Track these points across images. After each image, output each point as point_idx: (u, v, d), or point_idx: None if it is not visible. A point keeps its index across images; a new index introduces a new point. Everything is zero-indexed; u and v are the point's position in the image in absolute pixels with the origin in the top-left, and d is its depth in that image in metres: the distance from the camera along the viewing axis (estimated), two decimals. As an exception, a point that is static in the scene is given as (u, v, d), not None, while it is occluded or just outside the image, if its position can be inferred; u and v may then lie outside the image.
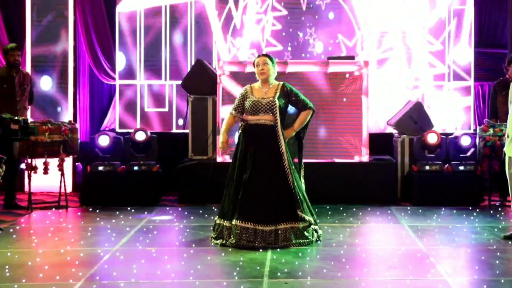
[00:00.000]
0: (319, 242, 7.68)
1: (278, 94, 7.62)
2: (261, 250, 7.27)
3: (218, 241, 7.58)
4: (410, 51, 11.70)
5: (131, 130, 10.75)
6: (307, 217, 7.57)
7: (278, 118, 7.57)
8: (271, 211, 7.46)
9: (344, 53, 11.61)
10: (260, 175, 7.51)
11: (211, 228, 7.91)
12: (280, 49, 11.72)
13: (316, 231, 7.75)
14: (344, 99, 10.09)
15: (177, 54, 11.79)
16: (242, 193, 7.52)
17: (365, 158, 10.17)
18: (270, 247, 7.33)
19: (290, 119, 7.76)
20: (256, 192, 7.49)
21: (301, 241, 7.51)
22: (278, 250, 7.28)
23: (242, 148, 7.66)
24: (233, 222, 7.47)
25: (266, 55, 7.77)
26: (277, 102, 7.56)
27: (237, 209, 7.51)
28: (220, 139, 7.81)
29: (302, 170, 7.89)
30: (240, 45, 11.77)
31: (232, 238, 7.44)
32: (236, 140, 7.95)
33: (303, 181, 7.85)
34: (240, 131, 7.75)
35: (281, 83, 7.74)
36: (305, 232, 7.55)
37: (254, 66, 7.76)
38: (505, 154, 7.76)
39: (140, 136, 10.41)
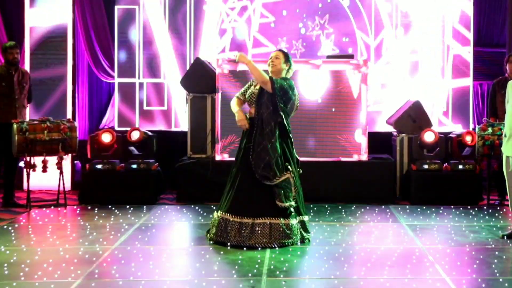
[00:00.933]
0: (304, 242, 7.61)
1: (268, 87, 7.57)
2: (246, 248, 7.27)
3: (208, 235, 7.68)
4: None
5: (130, 128, 10.74)
6: (286, 204, 7.45)
7: (254, 105, 7.58)
8: (250, 204, 7.44)
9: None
10: (244, 169, 7.52)
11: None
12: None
13: (302, 231, 7.66)
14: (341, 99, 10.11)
15: (175, 52, 11.79)
16: (229, 187, 7.58)
17: (364, 157, 10.17)
18: (243, 244, 7.30)
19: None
20: (240, 185, 7.51)
21: (283, 241, 7.39)
22: (277, 248, 7.28)
23: (240, 142, 7.72)
24: (218, 214, 7.55)
25: (282, 51, 7.74)
26: (255, 91, 7.59)
27: (223, 202, 7.58)
28: (238, 117, 7.63)
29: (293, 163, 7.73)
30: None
31: (212, 229, 7.55)
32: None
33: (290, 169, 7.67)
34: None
35: (287, 77, 7.71)
36: (286, 230, 7.42)
37: None
38: (502, 153, 7.77)
39: (135, 136, 10.40)
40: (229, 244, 7.34)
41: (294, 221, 7.52)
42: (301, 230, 7.63)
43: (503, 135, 7.89)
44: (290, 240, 7.43)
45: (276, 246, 7.32)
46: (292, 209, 7.52)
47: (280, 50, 7.77)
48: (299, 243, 7.50)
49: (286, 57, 7.68)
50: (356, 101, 10.12)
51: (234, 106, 7.74)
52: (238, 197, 7.49)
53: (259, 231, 7.36)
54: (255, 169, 7.40)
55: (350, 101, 10.13)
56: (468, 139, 10.30)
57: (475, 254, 7.20)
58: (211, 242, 7.54)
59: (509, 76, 9.95)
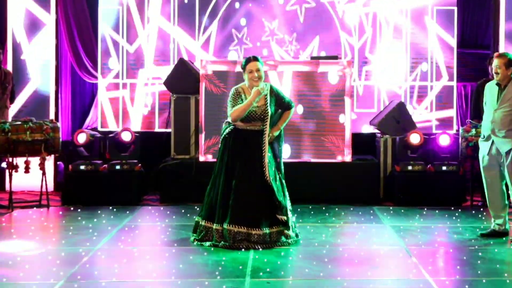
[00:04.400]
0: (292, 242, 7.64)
1: (269, 100, 7.59)
2: (243, 249, 7.26)
3: (207, 243, 7.52)
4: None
5: (114, 130, 10.70)
6: (284, 218, 7.54)
7: (268, 124, 7.56)
8: (262, 216, 7.47)
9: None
10: (248, 181, 7.49)
11: (193, 229, 7.85)
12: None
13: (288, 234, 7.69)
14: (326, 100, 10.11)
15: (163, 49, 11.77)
16: (233, 198, 7.46)
17: (347, 158, 10.18)
18: (264, 247, 7.34)
19: (273, 118, 7.72)
20: (246, 197, 7.46)
21: (289, 240, 7.56)
22: (260, 249, 7.27)
23: (230, 152, 7.59)
24: (225, 226, 7.43)
25: (258, 59, 7.64)
26: (269, 110, 7.57)
27: (229, 214, 7.46)
28: (254, 92, 7.50)
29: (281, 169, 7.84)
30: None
31: (229, 240, 7.41)
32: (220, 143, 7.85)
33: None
34: (226, 135, 7.67)
35: (268, 85, 7.70)
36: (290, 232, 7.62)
37: (243, 70, 7.65)
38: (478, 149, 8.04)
39: (126, 137, 10.36)
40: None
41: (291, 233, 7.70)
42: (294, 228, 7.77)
43: (481, 135, 7.99)
44: (290, 240, 7.59)
45: (285, 245, 7.49)
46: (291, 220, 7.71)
47: (256, 59, 7.64)
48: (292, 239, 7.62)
49: (262, 64, 7.67)
50: (340, 102, 10.11)
51: (239, 106, 7.52)
52: (245, 208, 7.45)
53: (274, 238, 7.51)
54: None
55: (335, 102, 10.12)
56: (415, 139, 10.31)
57: (459, 255, 7.22)
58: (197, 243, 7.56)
59: (492, 78, 9.97)
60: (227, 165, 7.58)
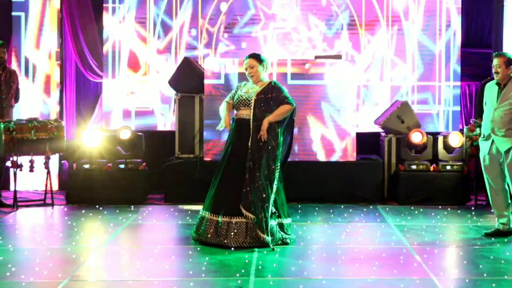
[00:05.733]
0: (287, 243, 7.58)
1: (260, 89, 7.61)
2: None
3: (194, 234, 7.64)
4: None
5: (117, 128, 10.71)
6: (250, 215, 7.37)
7: (252, 112, 7.55)
8: (228, 203, 7.44)
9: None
10: (230, 168, 7.52)
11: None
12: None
13: (282, 233, 7.61)
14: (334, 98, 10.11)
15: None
16: (215, 186, 7.57)
17: (352, 157, 10.18)
18: (220, 243, 7.29)
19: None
20: (221, 184, 7.52)
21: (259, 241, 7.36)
22: (255, 249, 7.25)
23: (228, 144, 7.69)
24: (201, 214, 7.57)
25: (253, 56, 7.71)
26: (253, 96, 7.56)
27: (208, 202, 7.57)
28: (224, 119, 7.62)
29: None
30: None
31: (194, 228, 7.59)
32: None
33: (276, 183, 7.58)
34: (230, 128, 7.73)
35: (271, 80, 7.74)
36: (258, 231, 7.35)
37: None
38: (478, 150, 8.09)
39: (125, 135, 10.37)
40: (208, 242, 7.37)
41: (272, 222, 7.51)
42: (280, 231, 7.60)
43: (481, 135, 8.00)
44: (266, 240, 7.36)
45: (251, 245, 7.30)
46: (273, 210, 7.51)
47: (251, 57, 7.70)
48: (274, 244, 7.37)
49: (259, 60, 7.68)
50: (345, 100, 10.11)
51: (223, 110, 7.71)
52: (217, 195, 7.51)
53: (235, 230, 7.36)
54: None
55: (339, 100, 10.11)
56: (417, 138, 10.31)
57: (463, 254, 7.22)
58: (194, 241, 7.56)
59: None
60: (223, 157, 7.66)
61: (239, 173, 7.46)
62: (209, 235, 7.40)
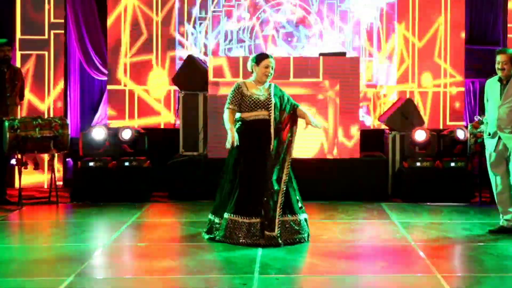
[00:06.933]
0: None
1: (272, 90, 7.58)
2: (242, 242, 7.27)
3: (207, 236, 7.54)
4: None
5: (121, 126, 10.72)
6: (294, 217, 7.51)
7: (273, 114, 7.53)
8: (258, 205, 7.38)
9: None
10: (253, 170, 7.45)
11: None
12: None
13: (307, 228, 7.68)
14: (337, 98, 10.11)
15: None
16: (238, 189, 7.44)
17: (356, 154, 10.18)
18: (255, 243, 7.26)
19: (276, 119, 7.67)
20: (249, 188, 7.41)
21: (294, 237, 7.40)
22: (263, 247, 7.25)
23: (240, 148, 7.48)
24: (225, 216, 7.41)
25: (272, 57, 7.67)
26: (273, 99, 7.52)
27: (229, 205, 7.42)
28: (230, 135, 7.41)
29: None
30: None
31: (221, 231, 7.38)
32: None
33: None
34: (237, 130, 7.60)
35: (272, 84, 7.69)
36: (295, 226, 7.45)
37: (256, 64, 7.58)
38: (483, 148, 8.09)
39: (126, 134, 10.38)
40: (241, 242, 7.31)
41: (302, 217, 7.53)
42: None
43: (486, 133, 7.99)
44: (299, 236, 7.42)
45: (286, 243, 7.30)
46: (300, 204, 7.57)
47: (271, 56, 7.66)
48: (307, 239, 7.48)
49: (274, 61, 7.67)
50: (351, 97, 10.11)
51: (227, 121, 7.51)
52: (245, 197, 7.40)
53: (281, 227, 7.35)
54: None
55: (345, 98, 10.10)
56: (420, 136, 10.31)
57: (467, 251, 7.23)
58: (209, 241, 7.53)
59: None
60: (236, 160, 7.54)
61: (259, 174, 7.42)
62: (240, 237, 7.29)
